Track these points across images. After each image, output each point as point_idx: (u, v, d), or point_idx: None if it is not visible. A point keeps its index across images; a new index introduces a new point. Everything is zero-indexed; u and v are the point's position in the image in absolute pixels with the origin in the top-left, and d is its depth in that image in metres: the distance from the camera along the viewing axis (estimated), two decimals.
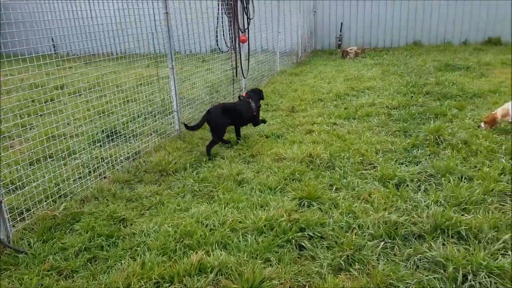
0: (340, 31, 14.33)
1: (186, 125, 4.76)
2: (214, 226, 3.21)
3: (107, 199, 3.82)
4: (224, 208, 3.49)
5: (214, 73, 7.08)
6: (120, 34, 4.66)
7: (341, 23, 14.32)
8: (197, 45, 6.38)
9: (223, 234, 3.08)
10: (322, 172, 4.07)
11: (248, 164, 4.50)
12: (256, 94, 5.38)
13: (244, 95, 5.46)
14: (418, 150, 4.49)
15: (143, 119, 5.70)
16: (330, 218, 3.21)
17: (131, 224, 3.37)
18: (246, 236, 3.06)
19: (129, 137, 5.17)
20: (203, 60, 6.96)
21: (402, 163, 4.22)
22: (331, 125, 5.63)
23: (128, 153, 4.76)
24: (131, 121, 5.59)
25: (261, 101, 5.55)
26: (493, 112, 4.99)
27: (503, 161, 3.97)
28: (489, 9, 12.69)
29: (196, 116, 6.08)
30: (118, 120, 5.31)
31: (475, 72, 8.50)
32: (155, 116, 5.65)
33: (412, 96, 6.77)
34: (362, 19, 14.13)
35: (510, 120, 4.81)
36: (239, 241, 2.99)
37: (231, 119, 4.96)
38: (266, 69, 9.50)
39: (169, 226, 3.21)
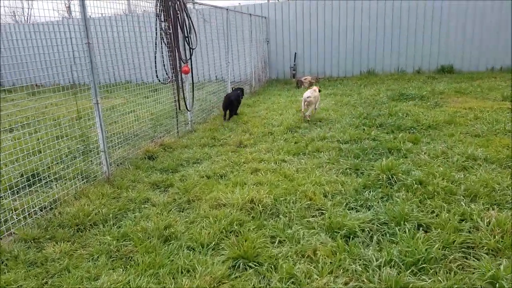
0: (294, 61, 14.29)
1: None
2: None
3: (5, 265, 3.13)
4: (141, 276, 2.84)
5: (160, 104, 6.53)
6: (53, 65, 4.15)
7: (295, 53, 14.30)
8: (141, 75, 5.88)
9: None
10: (265, 221, 3.52)
11: (182, 212, 3.89)
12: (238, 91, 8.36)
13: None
14: (370, 192, 4.07)
15: (71, 158, 5.00)
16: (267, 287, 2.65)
17: None
18: None
19: (50, 181, 4.45)
20: (152, 89, 6.38)
21: (352, 208, 3.76)
22: (279, 163, 5.15)
23: (44, 201, 4.05)
24: (57, 162, 4.89)
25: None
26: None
27: (463, 204, 3.61)
28: (440, 37, 13.12)
29: (131, 155, 5.45)
30: (42, 160, 4.60)
31: (429, 102, 8.46)
32: (84, 155, 4.98)
33: (364, 129, 6.49)
34: (315, 49, 14.19)
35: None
36: None
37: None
38: (216, 100, 9.03)
39: None
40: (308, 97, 7.22)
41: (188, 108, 6.66)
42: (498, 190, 3.90)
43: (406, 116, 7.19)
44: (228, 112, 7.88)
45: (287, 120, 7.48)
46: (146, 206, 4.05)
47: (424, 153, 5.17)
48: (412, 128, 6.45)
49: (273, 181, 4.42)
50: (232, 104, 7.89)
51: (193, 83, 6.64)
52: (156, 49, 5.90)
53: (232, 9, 10.50)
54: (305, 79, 12.35)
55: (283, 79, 14.45)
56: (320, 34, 14.00)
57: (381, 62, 13.77)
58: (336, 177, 4.50)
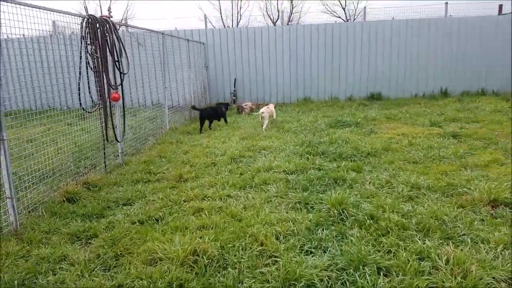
0: (234, 87, 14.13)
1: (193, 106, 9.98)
2: None
3: None
4: None
5: (87, 134, 5.76)
6: None
7: (235, 78, 14.18)
8: (66, 101, 5.14)
9: None
10: (211, 278, 3.03)
11: (108, 271, 3.21)
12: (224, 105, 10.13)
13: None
14: (323, 230, 3.79)
15: None
16: None
17: None
18: None
19: None
20: (79, 117, 5.60)
21: (307, 252, 3.44)
22: (224, 199, 4.71)
23: None
24: None
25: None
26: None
27: (418, 240, 3.48)
28: (369, 67, 13.86)
29: (47, 198, 4.62)
30: None
31: (364, 128, 8.67)
32: None
33: (309, 158, 6.34)
34: (254, 75, 14.21)
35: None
36: None
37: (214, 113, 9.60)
38: (152, 128, 8.39)
39: None
40: (262, 112, 9.14)
41: (118, 139, 5.97)
42: (448, 222, 3.86)
43: (346, 144, 7.21)
44: (206, 122, 9.46)
45: (230, 148, 7.10)
46: (63, 266, 3.27)
47: (369, 183, 5.09)
48: (353, 156, 6.44)
49: (218, 223, 3.95)
50: (206, 116, 9.45)
51: (124, 111, 6.01)
52: (81, 74, 5.23)
53: (169, 34, 10.07)
54: (245, 105, 12.18)
55: None
56: (258, 60, 14.08)
57: (316, 89, 14.18)
58: (286, 214, 4.17)
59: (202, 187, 5.15)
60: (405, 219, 3.95)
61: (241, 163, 6.25)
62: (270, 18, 38.83)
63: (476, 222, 3.83)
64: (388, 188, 4.92)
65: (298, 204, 4.48)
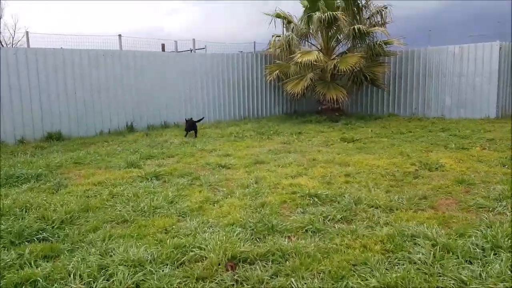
0: None
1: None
2: None
3: None
4: None
5: None
6: None
7: None
8: None
9: None
10: None
11: None
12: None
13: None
14: None
15: None
16: None
17: None
18: None
19: None
20: None
21: None
22: None
23: None
24: None
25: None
26: None
27: None
28: (42, 102, 11.43)
29: None
30: None
31: (49, 182, 6.61)
32: None
33: None
34: None
35: None
36: None
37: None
38: None
39: None
40: None
41: None
42: None
43: (26, 213, 5.05)
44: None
45: None
46: None
47: (73, 276, 3.44)
48: (41, 231, 4.46)
49: None
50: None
51: None
52: None
53: None
54: None
55: None
56: None
57: None
58: None
59: None
60: None
61: None
62: None
63: None
64: (98, 280, 3.42)
65: None
